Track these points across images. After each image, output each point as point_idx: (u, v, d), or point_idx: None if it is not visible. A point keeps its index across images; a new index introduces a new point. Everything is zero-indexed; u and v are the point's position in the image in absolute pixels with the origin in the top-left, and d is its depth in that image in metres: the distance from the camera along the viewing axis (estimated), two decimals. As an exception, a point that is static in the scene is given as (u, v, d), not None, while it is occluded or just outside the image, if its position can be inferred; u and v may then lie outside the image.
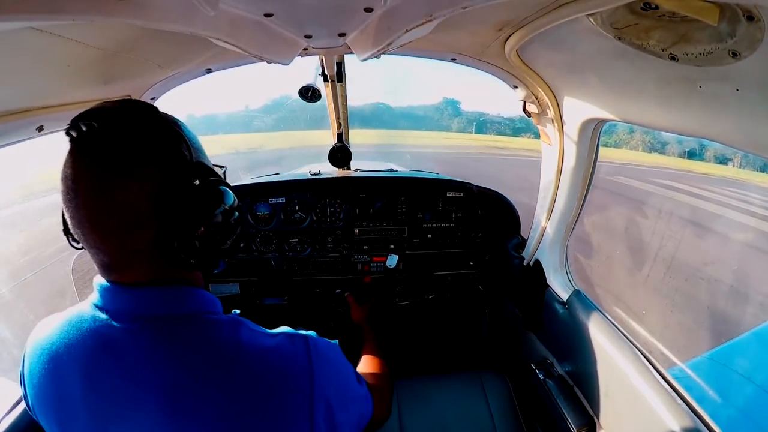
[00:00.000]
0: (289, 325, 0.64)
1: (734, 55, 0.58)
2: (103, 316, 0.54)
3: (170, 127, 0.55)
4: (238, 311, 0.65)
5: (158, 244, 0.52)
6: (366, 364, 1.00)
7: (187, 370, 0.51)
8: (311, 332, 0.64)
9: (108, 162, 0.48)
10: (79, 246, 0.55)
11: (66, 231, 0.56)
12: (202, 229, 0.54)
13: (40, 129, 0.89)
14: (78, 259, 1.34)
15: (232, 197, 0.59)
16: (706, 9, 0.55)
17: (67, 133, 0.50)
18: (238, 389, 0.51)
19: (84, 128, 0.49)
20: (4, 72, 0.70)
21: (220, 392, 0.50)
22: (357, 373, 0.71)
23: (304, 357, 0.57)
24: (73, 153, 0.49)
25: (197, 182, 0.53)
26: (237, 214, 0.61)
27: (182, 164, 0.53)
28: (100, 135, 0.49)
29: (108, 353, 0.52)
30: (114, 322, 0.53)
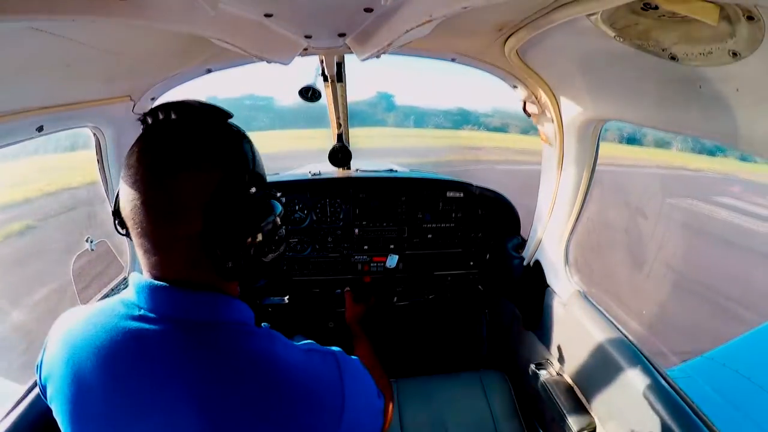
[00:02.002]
0: (289, 326, 0.65)
1: (734, 55, 0.58)
2: (136, 312, 0.54)
3: (240, 134, 0.58)
4: (267, 325, 0.66)
5: (200, 243, 0.52)
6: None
7: (221, 378, 0.51)
8: (336, 348, 0.65)
9: (178, 149, 0.51)
10: (123, 231, 0.56)
11: (116, 212, 0.57)
12: (249, 239, 0.54)
13: (40, 129, 0.89)
14: (78, 259, 1.34)
15: (281, 211, 0.59)
16: (706, 9, 0.55)
17: (143, 120, 0.54)
18: (273, 402, 0.51)
19: (162, 116, 0.53)
20: (4, 72, 0.70)
21: (255, 403, 0.50)
22: (377, 389, 0.72)
23: (337, 376, 0.58)
24: (146, 136, 0.53)
25: (253, 190, 0.54)
26: (284, 230, 0.60)
27: (244, 171, 0.55)
28: (178, 125, 0.53)
29: (137, 351, 0.52)
30: (147, 321, 0.53)
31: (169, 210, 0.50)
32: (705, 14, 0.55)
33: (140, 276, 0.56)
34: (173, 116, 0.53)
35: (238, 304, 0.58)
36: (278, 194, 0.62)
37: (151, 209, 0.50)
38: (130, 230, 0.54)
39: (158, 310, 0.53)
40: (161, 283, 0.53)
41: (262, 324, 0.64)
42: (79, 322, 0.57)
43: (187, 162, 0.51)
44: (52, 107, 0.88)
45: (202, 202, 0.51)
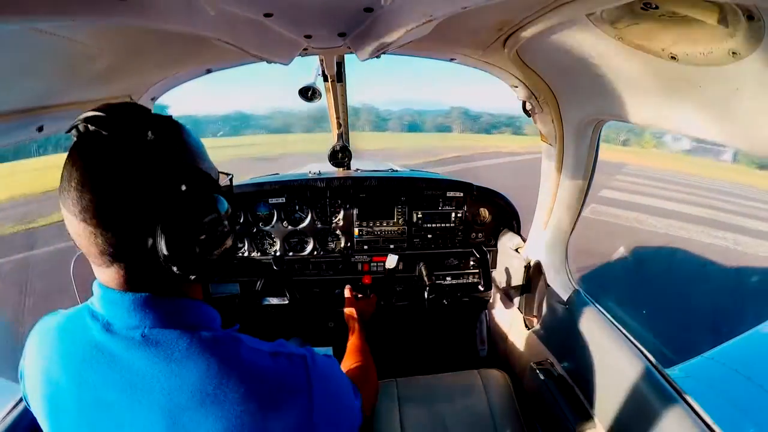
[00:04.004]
0: (289, 326, 0.64)
1: (734, 55, 0.58)
2: (99, 323, 0.53)
3: (162, 130, 0.54)
4: (237, 326, 0.64)
5: (144, 250, 0.51)
6: (352, 368, 0.99)
7: (186, 386, 0.50)
8: (308, 348, 0.63)
9: (97, 161, 0.49)
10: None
11: None
12: (188, 238, 0.52)
13: (40, 129, 0.89)
14: (78, 260, 1.34)
15: (225, 205, 0.57)
16: (706, 9, 0.55)
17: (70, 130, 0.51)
18: (238, 408, 0.51)
19: (81, 129, 0.50)
20: (4, 72, 0.70)
21: (220, 410, 0.50)
22: (353, 386, 0.71)
23: (304, 379, 0.57)
24: (70, 155, 0.50)
25: (184, 188, 0.51)
26: (227, 222, 0.58)
27: (171, 168, 0.52)
28: (94, 137, 0.50)
29: (104, 364, 0.52)
30: (111, 332, 0.53)
31: (105, 224, 0.49)
32: (705, 14, 0.55)
33: (102, 285, 0.55)
34: (91, 128, 0.50)
35: (201, 308, 0.57)
36: (223, 184, 0.60)
37: (88, 228, 0.49)
38: (77, 244, 0.52)
39: (121, 321, 0.53)
40: (120, 292, 0.53)
41: (235, 325, 0.63)
42: (52, 332, 0.57)
43: (109, 173, 0.49)
44: (52, 107, 0.88)
45: (133, 210, 0.49)
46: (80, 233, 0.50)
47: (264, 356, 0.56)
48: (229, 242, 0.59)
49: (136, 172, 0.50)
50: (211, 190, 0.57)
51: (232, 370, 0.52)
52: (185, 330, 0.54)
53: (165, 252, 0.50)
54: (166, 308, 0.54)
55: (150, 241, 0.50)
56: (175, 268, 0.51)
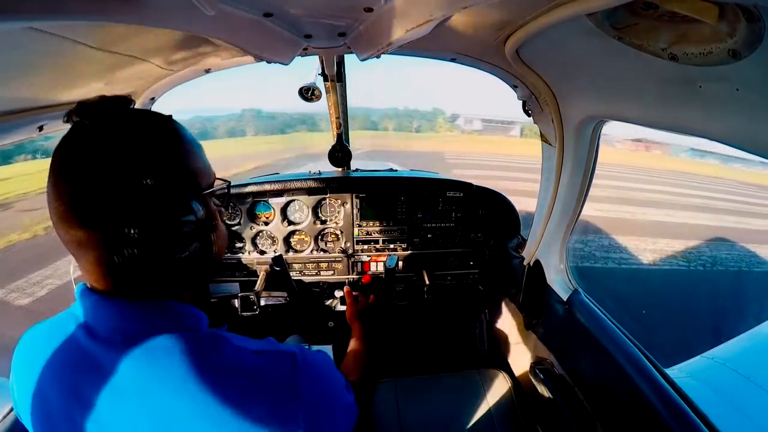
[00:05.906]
0: (289, 326, 0.63)
1: (734, 55, 0.58)
2: (82, 329, 0.53)
3: (144, 125, 0.53)
4: (225, 326, 0.63)
5: (108, 243, 0.50)
6: (348, 367, 0.98)
7: (169, 387, 0.50)
8: (300, 346, 0.62)
9: (74, 150, 0.49)
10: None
11: None
12: (145, 232, 0.50)
13: (40, 129, 0.89)
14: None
15: (197, 209, 0.54)
16: (706, 9, 0.55)
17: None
18: (220, 407, 0.50)
19: (75, 120, 0.51)
20: (4, 72, 0.70)
21: (204, 410, 0.49)
22: (346, 383, 0.70)
23: (291, 374, 0.55)
24: (58, 146, 0.51)
25: (149, 182, 0.49)
26: (195, 226, 0.54)
27: (137, 162, 0.50)
28: (78, 126, 0.51)
29: (89, 368, 0.51)
30: (94, 338, 0.52)
31: (82, 218, 0.48)
32: (705, 14, 0.55)
33: (84, 289, 0.54)
34: (77, 119, 0.50)
35: (186, 310, 0.57)
36: (225, 187, 0.60)
37: (65, 221, 0.49)
38: (61, 241, 0.51)
39: (104, 325, 0.52)
40: (102, 296, 0.52)
41: (223, 325, 0.62)
42: (39, 342, 0.57)
43: (83, 163, 0.48)
44: (52, 107, 0.89)
45: (99, 201, 0.48)
46: (56, 221, 0.49)
47: (248, 355, 0.55)
48: (193, 247, 0.55)
49: (105, 162, 0.49)
50: (186, 190, 0.54)
51: (215, 370, 0.51)
52: (168, 332, 0.53)
53: (126, 246, 0.49)
54: (147, 311, 0.53)
55: (116, 235, 0.49)
56: (133, 266, 0.50)
